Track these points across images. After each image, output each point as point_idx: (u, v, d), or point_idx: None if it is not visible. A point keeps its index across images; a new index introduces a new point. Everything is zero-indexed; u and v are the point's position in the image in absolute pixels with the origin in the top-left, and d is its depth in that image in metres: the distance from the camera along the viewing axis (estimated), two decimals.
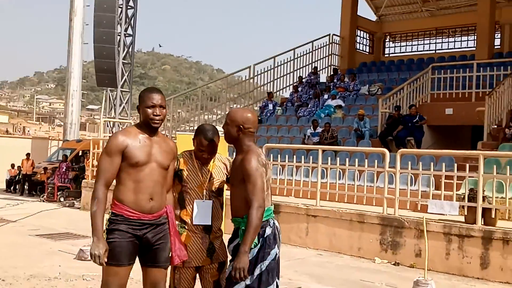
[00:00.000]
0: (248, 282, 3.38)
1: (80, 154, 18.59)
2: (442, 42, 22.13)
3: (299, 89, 18.87)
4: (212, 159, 3.87)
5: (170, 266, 3.67)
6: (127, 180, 3.42)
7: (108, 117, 20.73)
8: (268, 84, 19.93)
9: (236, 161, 3.57)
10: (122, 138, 3.42)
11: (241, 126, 3.51)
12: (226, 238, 3.81)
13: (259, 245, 3.41)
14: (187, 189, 3.76)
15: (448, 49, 21.69)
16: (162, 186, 3.53)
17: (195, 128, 17.97)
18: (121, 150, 3.39)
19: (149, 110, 3.46)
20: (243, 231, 3.37)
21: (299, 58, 20.42)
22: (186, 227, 3.75)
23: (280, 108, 18.32)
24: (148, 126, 3.50)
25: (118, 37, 19.88)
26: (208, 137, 3.72)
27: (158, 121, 3.49)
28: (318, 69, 20.76)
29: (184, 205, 3.77)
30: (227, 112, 3.71)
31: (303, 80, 19.34)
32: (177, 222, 3.75)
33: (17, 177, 20.31)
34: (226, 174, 3.90)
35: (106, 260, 3.29)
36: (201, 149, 3.75)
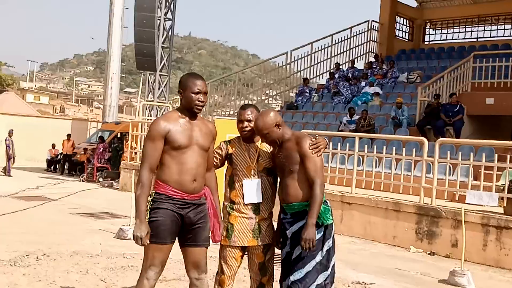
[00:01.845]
0: (319, 258, 3.68)
1: (118, 136, 18.96)
2: (484, 30, 21.51)
3: (336, 75, 18.72)
4: (259, 140, 3.95)
5: (218, 244, 3.80)
6: (171, 162, 3.53)
7: (147, 100, 21.03)
8: (305, 70, 19.84)
9: (287, 148, 3.76)
10: (164, 124, 3.52)
11: (277, 124, 3.77)
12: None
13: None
14: (236, 171, 3.90)
15: (490, 37, 21.08)
16: (204, 167, 3.65)
17: (231, 113, 18.10)
18: (163, 135, 3.50)
19: (194, 96, 3.56)
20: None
21: (336, 45, 20.24)
22: (234, 208, 3.88)
23: (316, 94, 18.25)
24: (190, 111, 3.61)
25: (158, 21, 20.05)
26: (243, 106, 3.97)
27: (201, 107, 3.60)
28: (357, 55, 20.56)
29: (234, 186, 3.90)
30: (256, 127, 3.82)
31: (339, 73, 19.07)
32: (226, 203, 3.91)
33: (58, 157, 20.88)
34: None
35: (148, 241, 3.42)
36: (240, 120, 3.90)
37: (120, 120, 23.69)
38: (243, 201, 3.87)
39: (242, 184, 3.87)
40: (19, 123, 24.22)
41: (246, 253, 3.94)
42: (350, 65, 19.53)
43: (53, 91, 79.49)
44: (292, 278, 3.68)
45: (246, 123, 3.88)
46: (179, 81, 3.68)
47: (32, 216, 9.45)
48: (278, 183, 3.98)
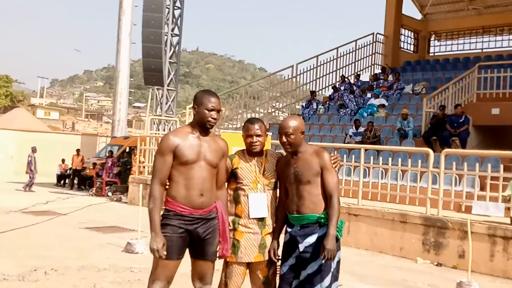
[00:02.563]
0: (334, 267, 3.74)
1: (127, 150, 19.11)
2: (489, 41, 21.60)
3: (341, 88, 18.81)
4: (264, 153, 3.98)
5: (223, 260, 3.83)
6: (178, 177, 3.61)
7: (154, 115, 21.19)
8: (311, 83, 19.96)
9: (305, 159, 3.80)
10: (173, 139, 3.61)
11: (302, 131, 3.86)
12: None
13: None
14: (242, 186, 3.89)
15: (495, 48, 21.17)
16: (211, 182, 3.70)
17: (238, 126, 18.16)
18: (172, 150, 3.59)
19: (208, 113, 3.64)
20: (323, 224, 3.73)
21: (342, 57, 20.38)
22: (240, 222, 3.87)
23: (322, 107, 18.33)
24: (202, 126, 3.68)
25: (165, 37, 20.26)
26: (256, 121, 3.97)
27: (213, 124, 3.68)
28: (362, 68, 20.66)
29: (239, 200, 3.89)
30: (286, 124, 3.84)
31: (344, 85, 19.13)
32: (232, 218, 3.89)
33: (67, 172, 21.05)
34: None
35: (165, 253, 3.48)
36: (248, 134, 3.89)
37: (129, 135, 23.88)
38: (249, 215, 3.86)
39: (248, 198, 3.87)
40: (29, 138, 24.51)
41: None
42: (355, 79, 19.61)
43: (63, 106, 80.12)
44: None
45: (255, 138, 3.87)
46: (194, 96, 3.75)
47: (41, 231, 9.55)
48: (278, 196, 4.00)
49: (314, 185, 3.76)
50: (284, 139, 3.81)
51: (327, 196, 3.76)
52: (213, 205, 3.70)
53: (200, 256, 3.70)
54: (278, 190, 4.03)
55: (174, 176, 3.62)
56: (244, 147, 4.00)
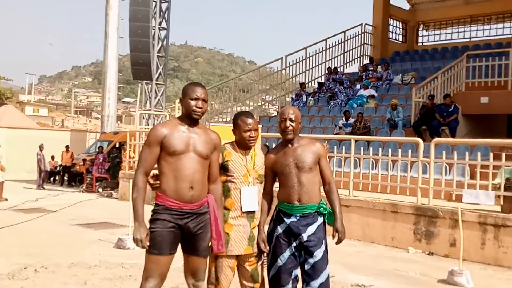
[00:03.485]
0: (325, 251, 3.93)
1: (117, 145, 19.00)
2: (477, 30, 21.63)
3: (330, 79, 18.81)
4: (252, 147, 4.01)
5: (211, 254, 3.78)
6: (167, 169, 3.55)
7: (143, 110, 21.08)
8: (300, 75, 19.93)
9: (303, 147, 3.94)
10: (161, 129, 3.57)
11: (301, 121, 4.05)
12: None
13: (323, 221, 3.95)
14: (233, 179, 3.89)
15: (483, 36, 21.20)
16: (203, 175, 3.64)
17: (228, 119, 18.17)
18: (160, 141, 3.54)
19: (192, 102, 3.60)
20: (321, 214, 3.92)
21: (331, 49, 20.35)
22: (230, 215, 3.87)
23: (312, 99, 18.31)
24: (189, 118, 3.64)
25: (153, 30, 20.13)
26: (250, 115, 4.01)
27: (199, 113, 3.62)
28: (351, 59, 20.70)
29: (229, 194, 3.89)
30: (289, 111, 3.97)
31: (332, 77, 19.10)
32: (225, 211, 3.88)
33: (57, 169, 20.90)
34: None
35: (148, 243, 3.44)
36: (247, 129, 3.90)
37: (118, 130, 23.73)
38: (241, 209, 3.86)
39: (240, 191, 3.87)
40: (18, 135, 24.31)
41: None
42: (334, 71, 19.44)
43: (52, 103, 79.54)
44: (320, 280, 3.81)
45: (254, 133, 3.92)
46: (182, 90, 3.74)
47: (32, 229, 9.47)
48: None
49: (314, 173, 3.92)
50: (288, 124, 3.90)
51: (325, 183, 4.00)
52: (204, 199, 3.65)
53: (192, 252, 3.65)
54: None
55: (163, 167, 3.57)
56: (233, 140, 4.01)
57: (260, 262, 3.96)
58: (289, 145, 3.95)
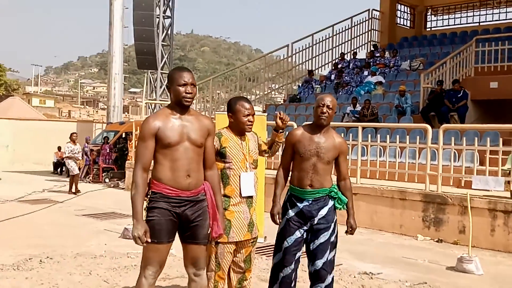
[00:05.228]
0: (335, 237, 4.10)
1: (123, 136, 18.97)
2: (486, 14, 21.28)
3: (339, 66, 18.62)
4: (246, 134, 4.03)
5: (212, 241, 3.75)
6: (163, 160, 3.47)
7: (149, 99, 21.03)
8: (307, 62, 19.74)
9: (329, 139, 4.06)
10: (153, 122, 3.46)
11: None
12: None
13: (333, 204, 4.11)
14: (231, 165, 3.89)
15: (492, 21, 20.88)
16: (198, 163, 3.57)
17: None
18: (153, 134, 3.44)
19: (181, 89, 3.49)
20: (332, 197, 4.06)
21: (338, 35, 20.12)
22: (231, 203, 3.87)
23: (319, 86, 18.15)
24: (179, 105, 3.53)
25: (157, 19, 20.04)
26: (247, 100, 4.05)
27: (189, 99, 3.51)
28: (358, 45, 20.48)
29: (228, 181, 3.88)
30: (328, 99, 4.07)
31: (343, 63, 18.94)
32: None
33: (63, 160, 20.89)
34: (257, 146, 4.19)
35: (147, 240, 3.38)
36: (247, 113, 3.92)
37: (125, 120, 23.71)
38: (240, 194, 3.87)
39: (239, 177, 3.87)
40: (25, 127, 24.37)
41: None
42: (352, 57, 19.38)
43: (59, 94, 79.80)
44: (324, 259, 3.97)
45: (252, 118, 3.96)
46: (167, 76, 3.66)
47: (38, 220, 9.46)
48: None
49: (330, 165, 4.08)
50: (324, 109, 3.99)
51: (340, 178, 4.19)
52: (201, 186, 3.58)
53: (190, 240, 3.57)
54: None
55: (159, 159, 3.49)
56: (226, 126, 4.06)
57: (253, 248, 4.07)
58: (317, 132, 4.03)
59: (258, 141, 4.25)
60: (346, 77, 17.16)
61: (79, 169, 15.29)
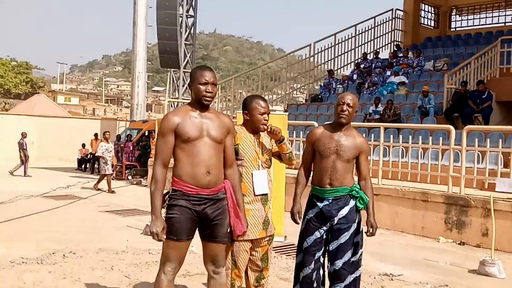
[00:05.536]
0: (360, 237, 4.09)
1: (146, 134, 19.15)
2: None
3: (361, 66, 18.51)
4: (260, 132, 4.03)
5: (238, 238, 3.80)
6: (182, 156, 3.50)
7: (172, 98, 21.17)
8: (329, 62, 19.66)
9: (349, 138, 4.05)
10: (173, 118, 3.50)
11: (357, 110, 4.23)
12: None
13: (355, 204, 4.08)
14: (243, 163, 3.92)
15: None
16: (219, 160, 3.58)
17: None
18: (173, 129, 3.48)
19: (202, 87, 3.52)
20: (353, 197, 4.03)
21: (360, 35, 19.99)
22: (245, 200, 3.88)
23: (341, 86, 18.06)
24: (199, 103, 3.56)
25: (180, 18, 20.15)
26: (263, 98, 4.04)
27: (209, 98, 3.55)
28: (381, 45, 20.32)
29: (241, 179, 3.89)
30: (348, 97, 4.10)
31: (365, 63, 18.82)
32: None
33: (88, 157, 21.21)
34: (271, 145, 4.16)
35: (164, 237, 3.43)
36: (263, 112, 3.93)
37: (148, 118, 23.92)
38: (254, 192, 3.90)
39: (252, 175, 3.90)
40: (50, 124, 24.75)
41: None
42: (374, 56, 19.25)
43: (83, 92, 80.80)
44: (344, 259, 3.96)
45: (267, 116, 3.95)
46: (189, 74, 3.70)
47: (62, 215, 9.63)
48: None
49: (350, 164, 4.06)
50: (345, 107, 4.01)
51: (360, 178, 4.14)
52: (221, 185, 3.59)
53: (210, 239, 3.61)
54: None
55: (178, 155, 3.52)
56: (241, 124, 4.10)
57: (270, 246, 4.07)
58: (338, 130, 4.05)
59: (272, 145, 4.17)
60: (375, 78, 17.01)
61: (112, 166, 15.28)
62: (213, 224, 3.57)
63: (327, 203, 4.00)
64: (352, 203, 4.03)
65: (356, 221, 4.04)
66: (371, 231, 4.03)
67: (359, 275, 4.13)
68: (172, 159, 3.57)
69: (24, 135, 18.31)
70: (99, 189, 13.76)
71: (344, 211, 4.00)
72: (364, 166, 4.13)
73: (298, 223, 4.13)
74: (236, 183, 3.71)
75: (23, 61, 62.31)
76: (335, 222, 3.98)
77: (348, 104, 4.01)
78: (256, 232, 3.90)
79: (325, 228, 4.00)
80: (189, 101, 3.82)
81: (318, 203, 4.03)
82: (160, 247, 6.48)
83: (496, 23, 21.08)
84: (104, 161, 13.90)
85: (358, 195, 4.04)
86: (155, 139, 15.35)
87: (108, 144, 14.23)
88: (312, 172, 4.18)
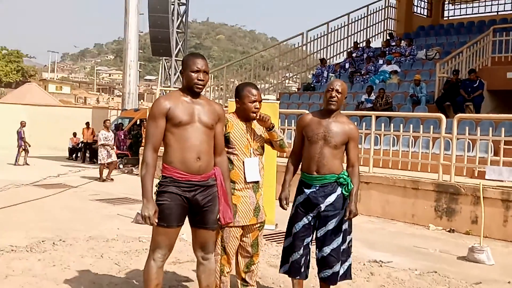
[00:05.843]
0: (348, 223, 4.11)
1: (137, 122, 19.07)
2: (504, 3, 20.89)
3: (353, 55, 18.48)
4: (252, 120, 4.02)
5: (223, 227, 3.81)
6: (173, 140, 3.48)
7: (163, 86, 21.08)
8: (321, 50, 19.61)
9: (339, 124, 4.05)
10: (164, 102, 3.48)
11: (346, 97, 4.20)
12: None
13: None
14: (234, 151, 3.92)
15: (511, 10, 20.52)
16: (209, 145, 3.57)
17: None
18: (164, 113, 3.46)
19: (194, 75, 3.51)
20: (341, 184, 4.02)
21: (353, 24, 19.93)
22: (236, 187, 3.91)
23: (333, 74, 18.02)
24: (191, 91, 3.55)
25: (172, 6, 20.00)
26: (255, 86, 4.02)
27: (201, 86, 3.53)
28: (374, 34, 20.28)
29: (233, 167, 3.91)
30: (337, 83, 4.10)
31: (357, 52, 18.78)
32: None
33: (79, 146, 21.11)
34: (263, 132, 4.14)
35: (156, 220, 3.41)
36: (254, 100, 3.91)
37: (140, 107, 23.81)
38: (245, 180, 3.90)
39: (243, 163, 3.90)
40: (41, 113, 24.61)
41: None
42: (366, 45, 19.20)
43: (75, 81, 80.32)
44: (332, 246, 3.99)
45: (258, 104, 3.94)
46: (181, 61, 3.68)
47: (52, 204, 9.58)
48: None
49: (339, 150, 4.03)
50: (334, 94, 4.01)
51: (348, 165, 4.11)
52: (211, 171, 3.59)
53: (200, 225, 3.61)
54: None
55: (169, 140, 3.50)
56: (232, 111, 4.08)
57: (260, 233, 4.09)
58: (327, 117, 4.05)
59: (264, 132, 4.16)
60: (371, 66, 16.95)
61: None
62: (204, 211, 3.56)
63: (314, 190, 4.02)
64: (339, 190, 4.04)
65: (344, 208, 4.04)
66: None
67: (350, 264, 4.16)
68: (162, 147, 3.55)
69: (23, 124, 18.18)
70: (111, 179, 13.68)
71: (331, 198, 4.01)
72: (352, 153, 4.11)
73: (285, 209, 4.14)
74: (225, 171, 3.71)
75: (14, 50, 61.81)
76: (322, 209, 4.00)
77: (337, 90, 4.01)
78: (246, 219, 3.92)
79: (312, 214, 4.02)
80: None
81: (306, 190, 4.05)
82: (150, 235, 6.49)
83: (488, 12, 21.10)
84: (107, 150, 13.83)
85: (346, 182, 4.04)
86: (146, 128, 15.39)
87: (108, 133, 14.16)
88: (302, 159, 4.19)
